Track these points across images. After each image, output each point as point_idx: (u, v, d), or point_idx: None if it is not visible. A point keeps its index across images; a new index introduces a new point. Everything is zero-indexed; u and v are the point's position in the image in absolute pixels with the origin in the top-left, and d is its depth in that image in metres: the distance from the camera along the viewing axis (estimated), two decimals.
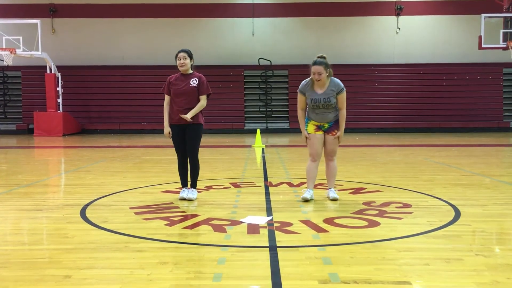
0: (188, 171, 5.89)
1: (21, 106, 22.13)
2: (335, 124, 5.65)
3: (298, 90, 5.68)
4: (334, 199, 5.63)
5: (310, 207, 5.33)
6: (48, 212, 5.17)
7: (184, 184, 5.90)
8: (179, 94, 5.68)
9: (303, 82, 5.65)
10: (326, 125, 5.64)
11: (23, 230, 4.58)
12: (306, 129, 5.72)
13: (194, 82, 5.72)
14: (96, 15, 22.13)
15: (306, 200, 5.58)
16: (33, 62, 20.70)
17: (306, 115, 5.73)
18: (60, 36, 22.23)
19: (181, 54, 5.70)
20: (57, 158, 12.25)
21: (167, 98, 5.80)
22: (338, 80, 5.58)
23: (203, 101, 5.74)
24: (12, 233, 4.45)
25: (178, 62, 5.69)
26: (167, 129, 5.78)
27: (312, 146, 5.71)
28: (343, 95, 5.55)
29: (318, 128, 5.66)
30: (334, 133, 5.65)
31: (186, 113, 5.63)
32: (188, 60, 5.71)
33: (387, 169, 8.71)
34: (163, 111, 5.87)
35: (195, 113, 5.68)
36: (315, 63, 5.44)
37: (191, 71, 5.80)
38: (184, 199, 5.71)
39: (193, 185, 5.88)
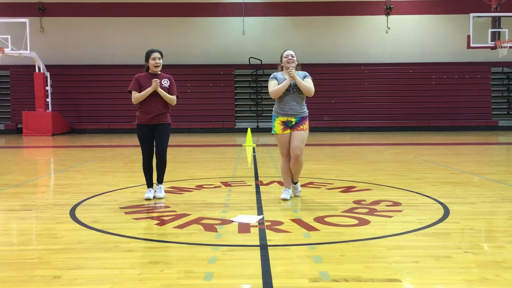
0: (154, 169, 5.89)
1: (9, 105, 21.94)
2: (302, 120, 5.60)
3: (270, 78, 5.65)
4: (295, 196, 5.78)
5: (301, 206, 5.34)
6: (38, 212, 5.13)
7: (150, 185, 5.88)
8: (151, 94, 5.62)
9: (274, 73, 5.72)
10: (293, 120, 5.57)
11: (12, 230, 4.54)
12: (274, 130, 5.68)
13: (166, 82, 5.72)
14: (85, 14, 21.99)
15: (286, 200, 5.61)
16: (22, 61, 20.53)
17: (273, 111, 5.71)
18: (49, 35, 22.06)
19: (157, 55, 5.64)
20: (47, 158, 12.16)
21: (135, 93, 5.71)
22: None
23: (174, 98, 5.75)
24: (0, 233, 4.41)
25: (153, 62, 5.63)
26: (152, 87, 5.59)
27: (282, 146, 5.69)
28: (310, 80, 5.61)
29: (285, 126, 5.60)
30: (300, 128, 5.58)
31: (159, 118, 5.67)
32: (161, 61, 5.71)
33: (377, 168, 8.75)
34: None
35: (167, 97, 5.66)
36: (286, 50, 5.69)
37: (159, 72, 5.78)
38: (150, 199, 5.70)
39: (161, 180, 5.90)
